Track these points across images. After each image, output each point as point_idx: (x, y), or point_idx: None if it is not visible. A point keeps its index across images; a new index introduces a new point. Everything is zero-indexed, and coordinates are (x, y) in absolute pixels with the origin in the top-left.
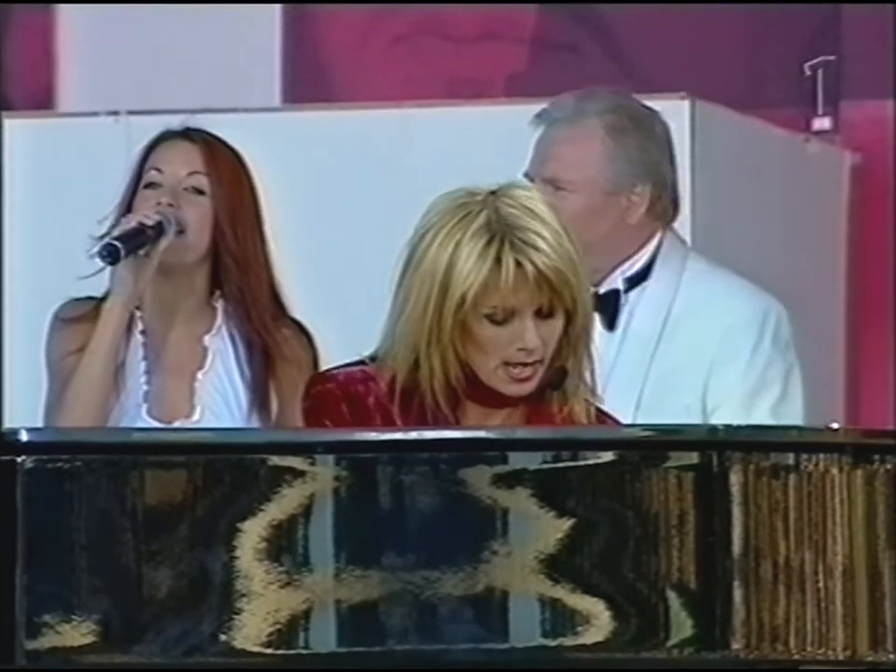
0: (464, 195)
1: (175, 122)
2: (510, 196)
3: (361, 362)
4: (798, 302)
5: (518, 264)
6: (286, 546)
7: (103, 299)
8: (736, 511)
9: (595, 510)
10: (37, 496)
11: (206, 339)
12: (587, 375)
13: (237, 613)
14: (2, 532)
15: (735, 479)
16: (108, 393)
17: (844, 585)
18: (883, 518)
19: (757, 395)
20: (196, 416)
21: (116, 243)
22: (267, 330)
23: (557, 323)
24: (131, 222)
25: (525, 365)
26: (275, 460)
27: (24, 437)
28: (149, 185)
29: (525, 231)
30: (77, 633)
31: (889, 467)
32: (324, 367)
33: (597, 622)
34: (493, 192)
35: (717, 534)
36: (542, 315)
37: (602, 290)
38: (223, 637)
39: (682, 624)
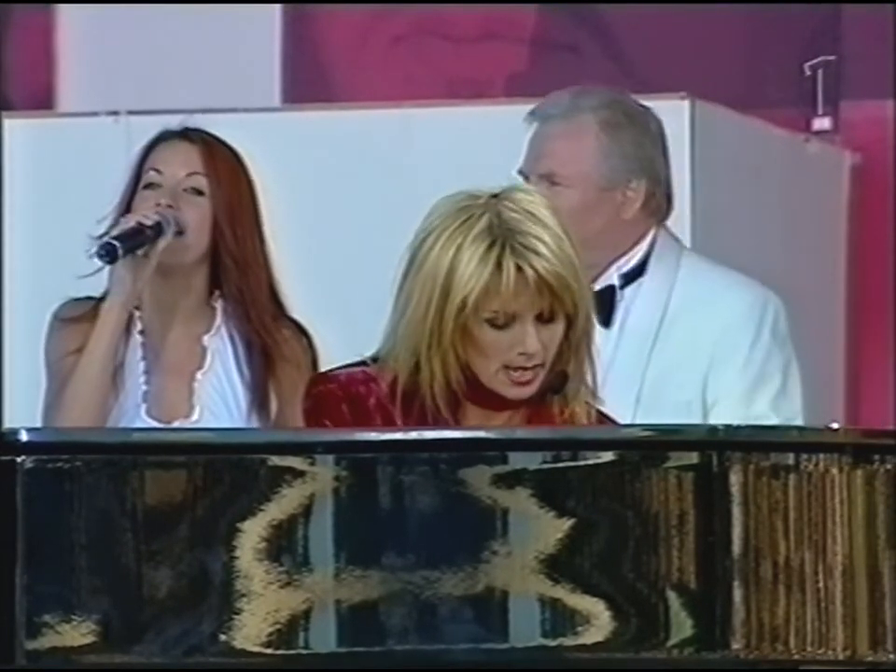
0: (466, 198)
1: (175, 122)
2: (511, 199)
3: (363, 363)
4: (798, 302)
5: (519, 269)
6: (286, 546)
7: (101, 299)
8: (736, 511)
9: (595, 510)
10: (37, 496)
11: (205, 339)
12: (588, 378)
13: (237, 613)
14: (2, 532)
15: (734, 479)
16: (107, 393)
17: (844, 585)
18: (883, 518)
19: (757, 388)
20: (195, 416)
21: (114, 242)
22: (267, 331)
23: (558, 327)
24: (129, 222)
25: (526, 369)
26: (275, 460)
27: (24, 437)
28: (148, 185)
29: (526, 235)
30: (77, 633)
31: (889, 467)
32: (323, 367)
33: (597, 622)
34: (495, 195)
35: (717, 534)
36: (543, 319)
37: (598, 287)
38: (223, 637)
39: (682, 624)
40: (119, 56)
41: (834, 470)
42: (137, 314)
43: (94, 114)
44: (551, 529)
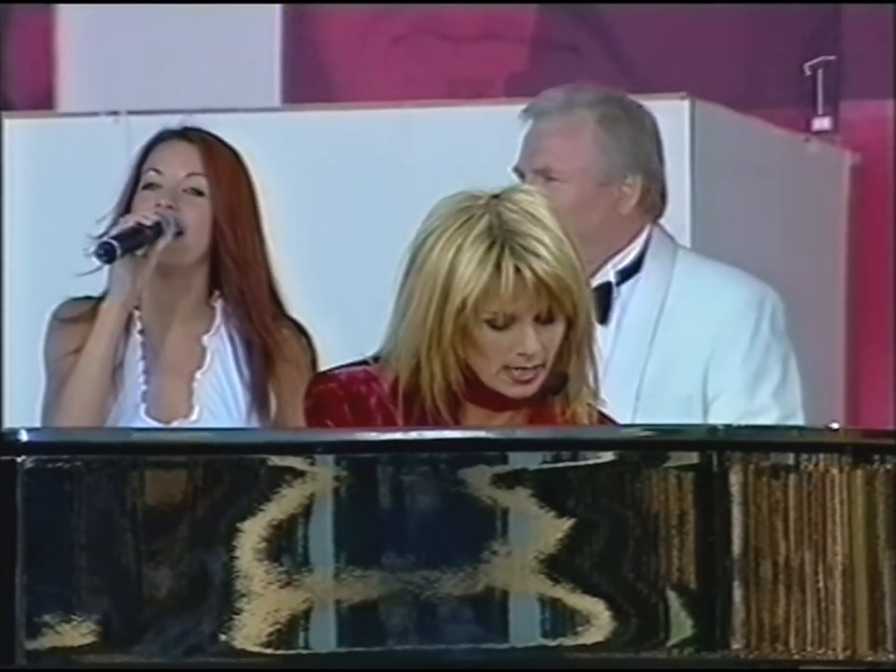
0: (466, 198)
1: (175, 122)
2: (512, 200)
3: (364, 362)
4: (798, 302)
5: (517, 270)
6: (286, 546)
7: (101, 299)
8: (736, 511)
9: (595, 510)
10: (37, 496)
11: (205, 339)
12: (590, 379)
13: (237, 613)
14: (2, 532)
15: (734, 479)
16: (106, 393)
17: (844, 585)
18: (883, 518)
19: (758, 381)
20: (194, 416)
21: (112, 242)
22: (267, 331)
23: (558, 329)
24: (128, 222)
25: (526, 369)
26: (275, 460)
27: (24, 437)
28: (148, 186)
29: (525, 237)
30: (77, 633)
31: (888, 467)
32: (323, 368)
33: (597, 622)
34: (496, 196)
35: (717, 534)
36: (542, 320)
37: (594, 284)
38: (223, 637)
39: (682, 624)
40: (119, 56)
41: (834, 470)
42: (137, 313)
43: (94, 114)
44: (551, 529)
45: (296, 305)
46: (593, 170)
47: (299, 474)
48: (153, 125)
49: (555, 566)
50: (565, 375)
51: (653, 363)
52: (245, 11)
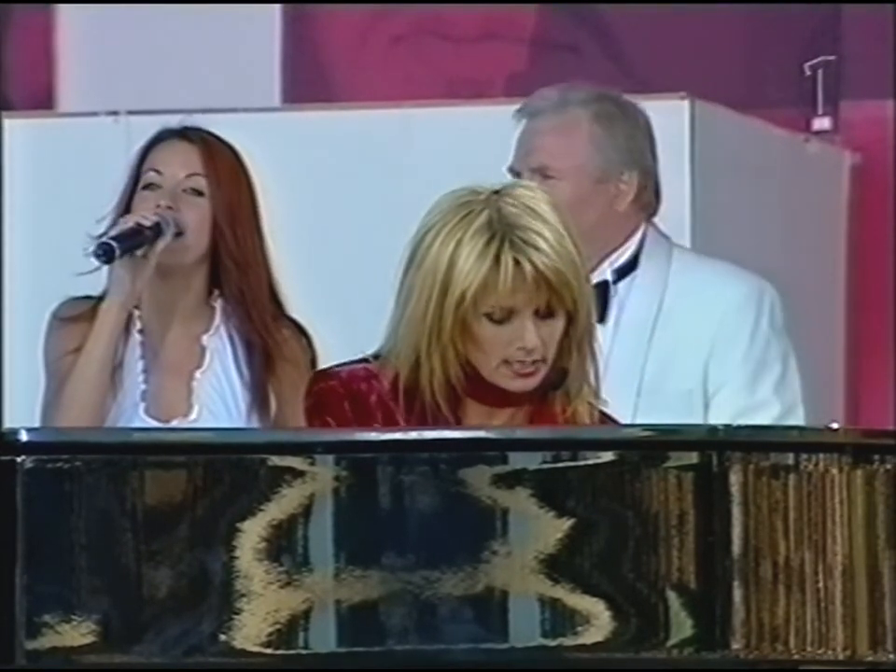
0: (467, 194)
1: (175, 122)
2: (512, 195)
3: (364, 360)
4: (798, 302)
5: (517, 263)
6: (285, 546)
7: (101, 298)
8: (736, 511)
9: (595, 510)
10: (37, 496)
11: (204, 338)
12: (591, 377)
13: (237, 613)
14: (2, 532)
15: (734, 479)
16: (105, 393)
17: (844, 585)
18: (883, 518)
19: (759, 376)
20: (193, 415)
21: (111, 242)
22: (268, 331)
23: (558, 324)
24: (128, 223)
25: (526, 363)
26: (275, 460)
27: (24, 437)
28: (148, 186)
29: (525, 230)
30: (76, 633)
31: (888, 467)
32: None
33: (597, 622)
34: (496, 192)
35: (717, 534)
36: (542, 315)
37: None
38: (223, 637)
39: (682, 624)
40: (119, 56)
41: (834, 470)
42: (136, 313)
43: (94, 114)
44: (551, 529)
45: (296, 305)
46: (589, 167)
47: (299, 474)
48: (153, 125)
49: (555, 566)
50: (565, 371)
51: (653, 361)
52: (245, 11)
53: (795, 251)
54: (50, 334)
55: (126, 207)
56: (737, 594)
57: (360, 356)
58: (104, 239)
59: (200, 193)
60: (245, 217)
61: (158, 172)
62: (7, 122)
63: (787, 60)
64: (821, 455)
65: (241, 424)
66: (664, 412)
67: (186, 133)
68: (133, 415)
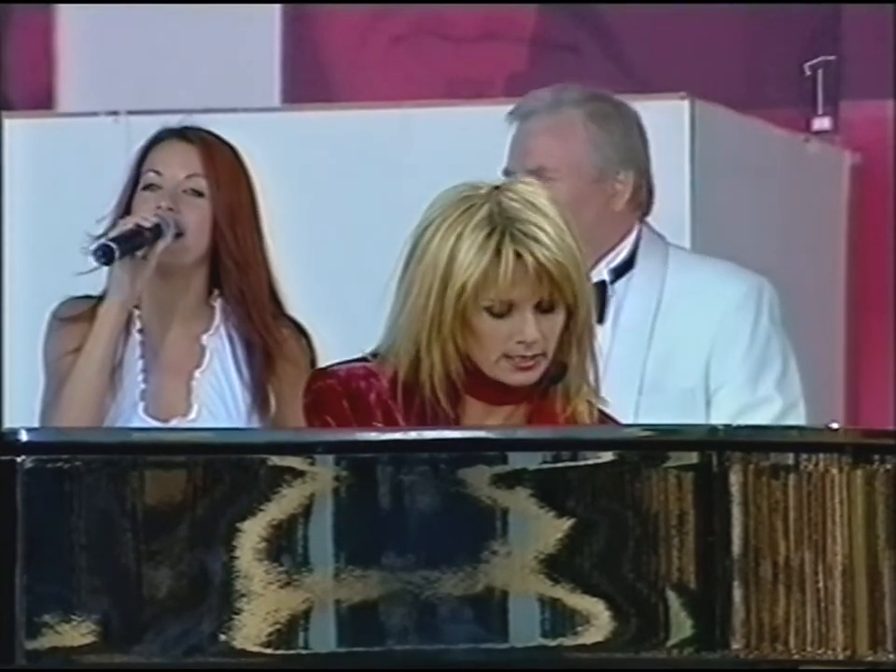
0: (467, 189)
1: (175, 122)
2: (513, 190)
3: (363, 359)
4: (798, 302)
5: (518, 256)
6: (285, 546)
7: (101, 298)
8: (736, 511)
9: (595, 510)
10: (37, 496)
11: (204, 338)
12: (590, 376)
13: (237, 613)
14: (2, 532)
15: (734, 479)
16: (104, 393)
17: (844, 585)
18: (883, 518)
19: (760, 372)
20: (193, 415)
21: (111, 243)
22: (268, 330)
23: (558, 318)
24: (128, 224)
25: (526, 357)
26: (275, 460)
27: (24, 437)
28: (148, 187)
29: (526, 223)
30: (76, 633)
31: (888, 467)
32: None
33: (597, 622)
34: (496, 187)
35: (717, 534)
36: (542, 308)
37: None
38: (223, 637)
39: (682, 624)
40: (119, 56)
41: (834, 470)
42: (136, 313)
43: (94, 114)
44: (551, 529)
45: (296, 305)
46: (586, 167)
47: (299, 474)
48: (153, 125)
49: (555, 566)
50: (564, 365)
51: (653, 360)
52: (245, 11)
53: (795, 251)
54: (50, 334)
55: (126, 207)
56: (737, 594)
57: (359, 354)
58: (103, 241)
59: (200, 194)
60: (244, 217)
61: (158, 172)
62: (7, 122)
63: (787, 60)
64: (821, 455)
65: (240, 423)
66: (665, 410)
67: (185, 134)
68: (133, 415)
